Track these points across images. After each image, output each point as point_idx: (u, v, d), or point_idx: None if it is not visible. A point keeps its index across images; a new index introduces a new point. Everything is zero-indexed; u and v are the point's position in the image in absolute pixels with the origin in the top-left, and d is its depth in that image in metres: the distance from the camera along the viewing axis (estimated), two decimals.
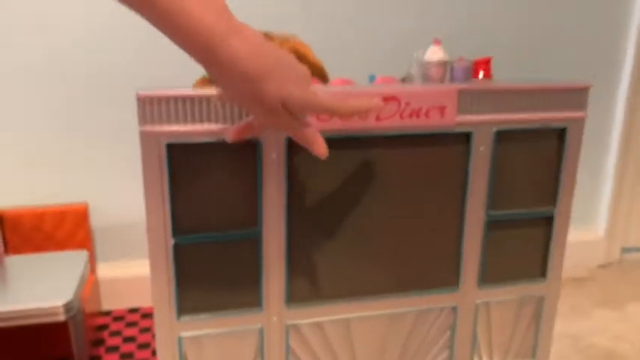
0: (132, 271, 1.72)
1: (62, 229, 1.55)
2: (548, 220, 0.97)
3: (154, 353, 1.47)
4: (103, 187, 1.64)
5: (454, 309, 0.97)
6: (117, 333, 1.57)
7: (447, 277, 0.96)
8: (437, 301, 0.96)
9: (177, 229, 0.82)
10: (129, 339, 1.54)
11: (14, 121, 1.57)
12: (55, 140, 1.59)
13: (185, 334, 0.87)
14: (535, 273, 1.00)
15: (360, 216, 0.89)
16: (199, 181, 0.81)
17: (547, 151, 0.94)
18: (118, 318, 1.66)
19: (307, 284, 0.90)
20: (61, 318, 1.10)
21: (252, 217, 0.85)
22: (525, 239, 0.98)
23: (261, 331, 0.90)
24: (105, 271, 1.69)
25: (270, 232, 0.86)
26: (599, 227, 2.21)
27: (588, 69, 1.99)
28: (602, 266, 2.17)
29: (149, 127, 0.77)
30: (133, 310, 1.70)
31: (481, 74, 0.94)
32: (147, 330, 1.59)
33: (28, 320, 1.09)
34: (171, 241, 0.82)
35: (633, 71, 2.04)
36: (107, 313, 1.68)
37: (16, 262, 1.28)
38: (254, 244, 0.86)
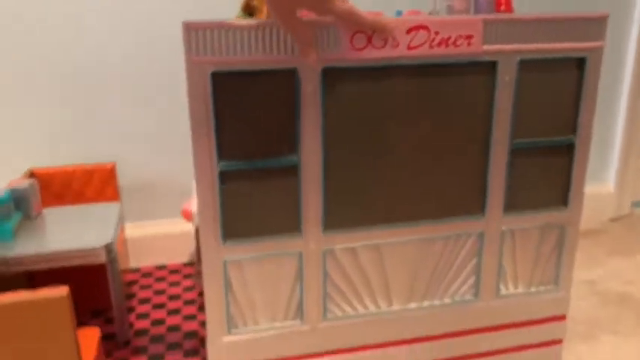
0: (158, 229, 1.78)
1: (91, 187, 1.60)
2: (570, 149, 1.01)
3: (185, 303, 1.52)
4: (130, 149, 1.69)
5: (480, 235, 1.02)
6: (147, 287, 1.62)
7: (473, 204, 1.01)
8: (464, 227, 1.01)
9: (221, 157, 0.87)
10: (159, 292, 1.59)
11: (44, 84, 1.61)
12: (82, 102, 1.63)
13: (229, 257, 0.92)
14: (557, 201, 1.05)
15: (392, 144, 0.93)
16: (242, 109, 0.86)
17: (568, 81, 0.98)
18: (147, 274, 1.71)
19: (342, 211, 0.95)
20: (102, 259, 1.15)
21: (292, 146, 0.89)
22: (548, 168, 1.02)
23: (300, 256, 0.95)
24: (132, 230, 1.74)
25: (308, 161, 0.90)
26: (610, 182, 2.25)
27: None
28: (613, 219, 2.22)
29: (195, 57, 0.81)
30: (161, 267, 1.76)
31: (502, 8, 0.97)
32: (176, 284, 1.64)
33: (69, 262, 1.14)
34: (217, 169, 0.87)
35: None
36: (136, 270, 1.74)
37: (53, 213, 1.33)
38: (293, 173, 0.91)
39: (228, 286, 0.94)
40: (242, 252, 0.92)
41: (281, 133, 0.88)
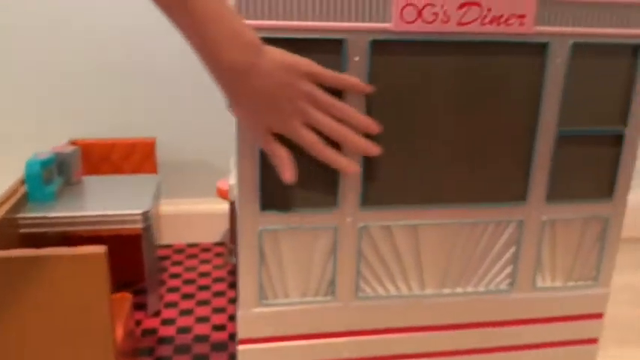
0: (192, 208, 1.79)
1: (130, 161, 1.62)
2: (618, 140, 0.98)
3: (214, 281, 1.53)
4: (170, 124, 1.71)
5: (520, 223, 1.00)
6: (178, 263, 1.64)
7: (515, 190, 0.98)
8: (504, 214, 0.99)
9: None
10: (190, 268, 1.61)
11: (88, 54, 1.64)
12: (125, 76, 1.66)
13: (265, 227, 0.92)
14: (602, 193, 1.02)
15: (435, 123, 0.92)
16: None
17: (621, 69, 0.95)
18: (179, 251, 1.73)
19: (381, 188, 0.94)
20: (139, 226, 1.17)
21: None
22: (594, 157, 0.99)
23: (335, 230, 0.94)
24: (166, 207, 1.76)
25: None
26: None
27: None
28: None
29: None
30: (193, 245, 1.77)
31: None
32: (207, 261, 1.65)
33: (106, 226, 1.16)
34: None
35: None
36: (168, 247, 1.75)
37: (93, 180, 1.35)
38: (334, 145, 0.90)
39: (262, 256, 0.93)
40: (278, 222, 0.92)
41: None
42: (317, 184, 0.92)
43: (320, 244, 0.95)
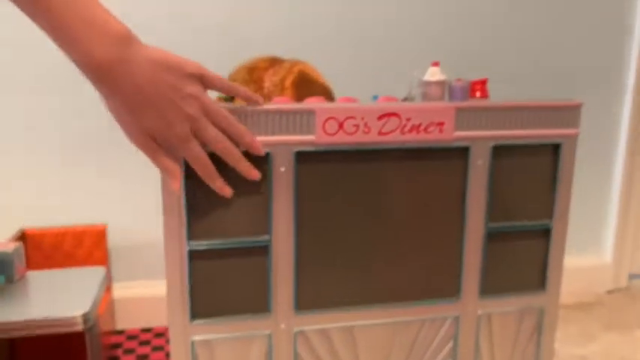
0: (146, 291, 1.77)
1: (81, 249, 1.61)
2: (546, 233, 1.01)
3: None
4: (122, 210, 1.71)
5: (456, 319, 1.01)
6: (130, 351, 1.61)
7: (449, 287, 1.00)
8: (440, 310, 1.00)
9: (192, 236, 0.87)
10: (142, 357, 1.57)
11: (38, 143, 1.65)
12: (77, 163, 1.66)
13: (197, 337, 0.91)
14: (534, 285, 1.04)
15: (365, 226, 0.94)
16: (214, 190, 0.87)
17: (543, 166, 0.98)
18: (132, 337, 1.70)
19: (315, 292, 0.94)
20: (79, 328, 1.15)
21: (263, 227, 0.90)
22: (524, 251, 1.02)
23: (269, 337, 0.94)
24: (120, 290, 1.74)
25: (280, 241, 0.91)
26: (606, 253, 2.23)
27: (590, 94, 2.04)
28: (609, 292, 2.18)
29: None
30: (146, 330, 1.74)
31: (478, 94, 0.99)
32: (159, 348, 1.62)
33: (47, 330, 1.14)
34: (187, 248, 0.87)
35: (635, 91, 2.07)
36: (121, 332, 1.72)
37: (37, 276, 1.33)
38: (264, 253, 0.91)
39: None
40: (210, 331, 0.92)
41: (253, 214, 0.89)
42: (248, 288, 0.92)
43: (254, 352, 0.94)
